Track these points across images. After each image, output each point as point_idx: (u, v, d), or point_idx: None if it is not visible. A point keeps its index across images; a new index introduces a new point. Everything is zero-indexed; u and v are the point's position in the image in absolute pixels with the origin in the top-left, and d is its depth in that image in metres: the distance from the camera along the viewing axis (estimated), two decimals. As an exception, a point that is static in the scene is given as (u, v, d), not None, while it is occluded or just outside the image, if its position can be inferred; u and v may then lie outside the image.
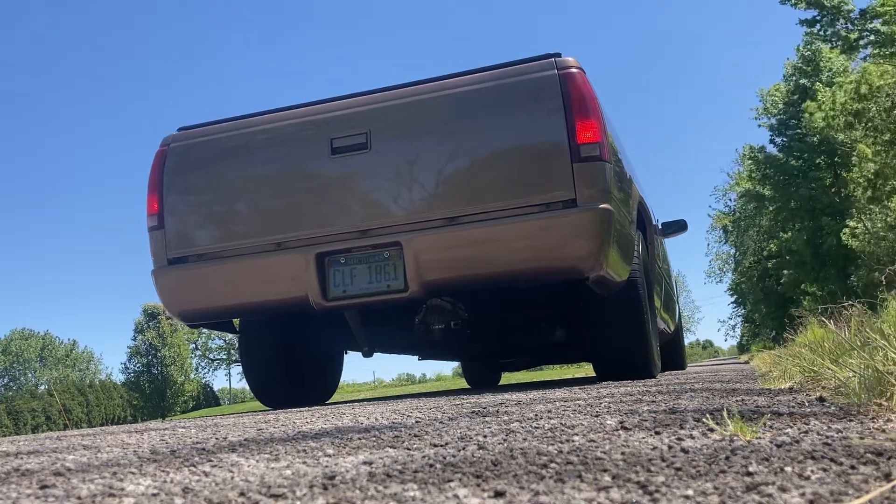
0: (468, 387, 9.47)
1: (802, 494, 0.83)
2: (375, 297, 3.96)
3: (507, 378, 11.78)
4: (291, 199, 4.11)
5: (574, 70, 3.86)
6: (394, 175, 3.98)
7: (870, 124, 18.85)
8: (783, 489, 0.85)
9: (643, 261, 4.60)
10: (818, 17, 21.17)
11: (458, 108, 3.98)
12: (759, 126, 30.90)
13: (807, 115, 23.01)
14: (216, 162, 4.31)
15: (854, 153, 20.08)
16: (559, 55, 3.94)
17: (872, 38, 19.16)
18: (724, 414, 1.49)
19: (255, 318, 4.67)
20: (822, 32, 21.45)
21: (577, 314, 4.54)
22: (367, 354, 5.01)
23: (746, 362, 13.00)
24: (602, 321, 4.30)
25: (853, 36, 20.18)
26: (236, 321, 4.87)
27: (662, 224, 7.19)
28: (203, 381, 50.89)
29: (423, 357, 6.99)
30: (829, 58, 25.52)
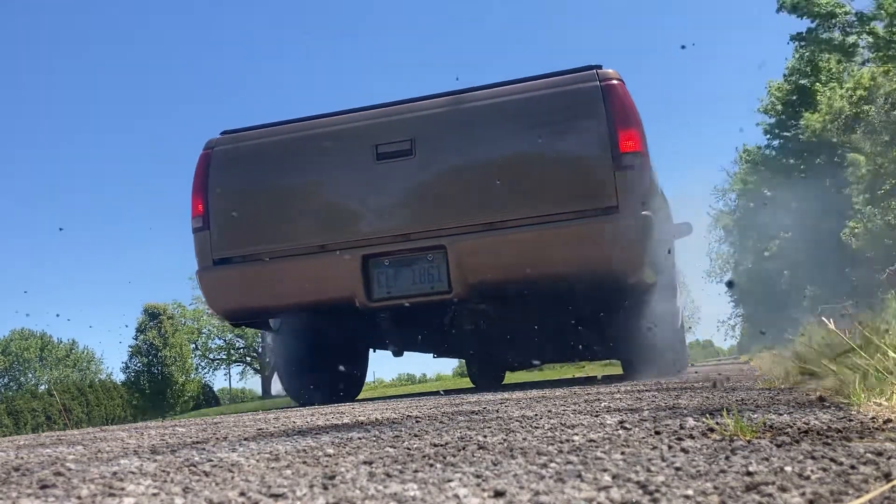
0: (469, 386, 9.47)
1: (802, 494, 0.83)
2: (419, 297, 4.06)
3: (508, 377, 11.78)
4: (336, 203, 4.23)
5: (615, 82, 3.99)
6: (437, 181, 4.11)
7: (869, 127, 18.87)
8: (783, 489, 0.85)
9: (672, 263, 4.75)
10: (813, 27, 21.21)
11: (501, 117, 4.12)
12: (758, 125, 30.86)
13: (803, 123, 23.11)
14: (260, 165, 4.42)
15: (849, 155, 20.11)
16: (600, 67, 4.08)
17: (871, 40, 19.18)
18: (724, 414, 1.49)
19: (299, 317, 4.78)
20: (817, 39, 21.48)
21: (607, 313, 4.63)
22: (398, 354, 5.16)
23: (746, 362, 13.01)
24: (632, 320, 4.41)
25: (850, 41, 20.22)
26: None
27: None
28: (203, 382, 50.92)
29: (440, 355, 7.15)
30: (829, 58, 25.53)
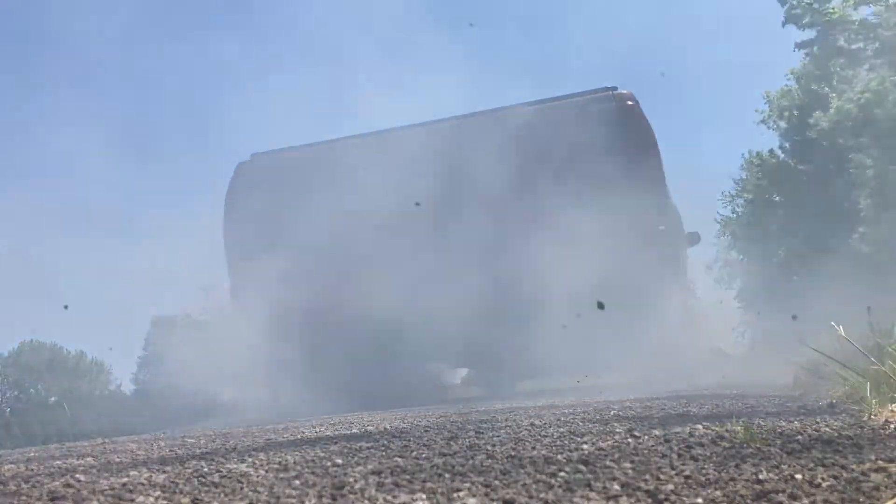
0: (479, 396, 9.43)
1: (813, 502, 0.82)
2: None
3: (517, 386, 11.74)
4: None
5: (631, 103, 4.14)
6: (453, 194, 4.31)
7: (876, 131, 18.78)
8: (793, 497, 0.85)
9: (684, 271, 4.91)
10: (817, 37, 21.24)
11: (515, 139, 4.28)
12: (769, 129, 30.77)
13: (811, 122, 23.10)
14: (290, 186, 4.59)
15: (855, 160, 20.03)
16: (615, 88, 4.22)
17: (877, 45, 19.14)
18: (734, 421, 1.48)
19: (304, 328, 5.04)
20: (824, 45, 21.48)
21: (614, 321, 4.74)
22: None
23: (756, 369, 12.93)
24: (640, 329, 4.51)
25: (855, 47, 20.20)
26: None
27: None
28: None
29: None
30: (838, 63, 25.45)
